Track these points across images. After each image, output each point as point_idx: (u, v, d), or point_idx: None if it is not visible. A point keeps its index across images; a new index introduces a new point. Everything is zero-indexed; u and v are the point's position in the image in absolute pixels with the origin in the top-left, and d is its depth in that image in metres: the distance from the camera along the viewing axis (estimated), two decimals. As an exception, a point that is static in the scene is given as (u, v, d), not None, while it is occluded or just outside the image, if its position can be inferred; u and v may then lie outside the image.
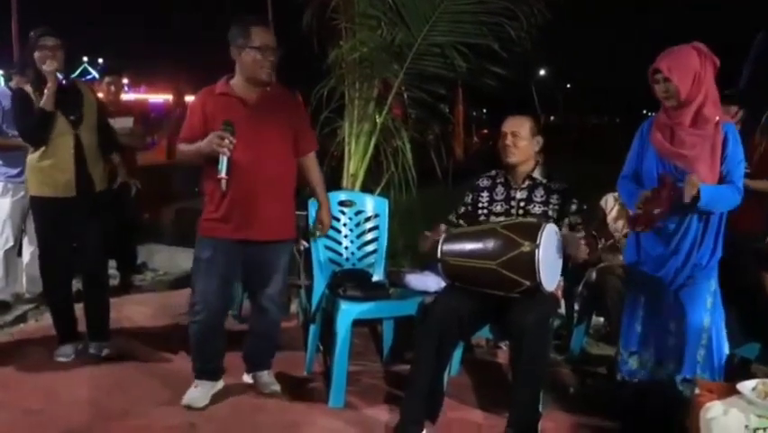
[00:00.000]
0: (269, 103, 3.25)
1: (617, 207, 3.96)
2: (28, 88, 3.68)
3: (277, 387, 3.44)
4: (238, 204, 3.20)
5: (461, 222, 3.41)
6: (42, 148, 3.65)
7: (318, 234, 3.59)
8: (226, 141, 3.03)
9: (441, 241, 3.10)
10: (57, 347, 3.88)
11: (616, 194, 4.00)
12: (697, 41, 2.94)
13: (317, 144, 3.55)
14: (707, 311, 2.97)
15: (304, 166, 3.43)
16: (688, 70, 2.88)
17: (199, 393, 3.31)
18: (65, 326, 3.91)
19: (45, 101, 3.54)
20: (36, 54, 3.59)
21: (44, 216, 3.79)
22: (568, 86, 34.40)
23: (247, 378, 3.53)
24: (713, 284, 3.00)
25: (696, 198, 2.78)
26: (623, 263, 3.77)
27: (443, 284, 3.64)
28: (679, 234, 2.97)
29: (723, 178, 2.90)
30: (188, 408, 3.26)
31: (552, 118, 28.88)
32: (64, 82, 3.65)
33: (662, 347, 3.04)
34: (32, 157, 3.71)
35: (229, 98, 3.21)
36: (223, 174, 3.05)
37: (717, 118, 2.92)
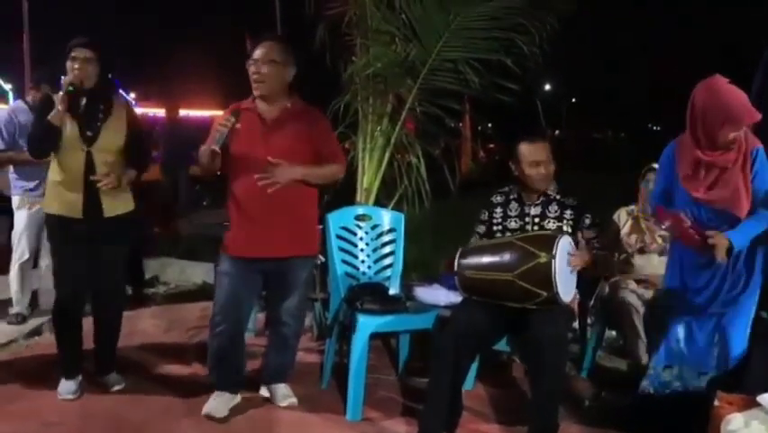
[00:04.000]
0: (288, 120, 3.28)
1: (629, 222, 3.98)
2: (57, 97, 3.45)
3: (294, 400, 3.46)
4: (253, 220, 3.24)
5: (483, 240, 3.43)
6: (55, 162, 3.52)
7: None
8: (225, 121, 3.12)
9: (458, 255, 3.13)
10: (60, 382, 3.58)
11: (628, 208, 4.03)
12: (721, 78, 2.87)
13: (343, 158, 3.52)
14: (749, 326, 2.95)
15: None
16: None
17: (219, 403, 3.33)
18: (69, 357, 3.62)
19: (52, 115, 3.36)
20: (67, 63, 3.43)
21: (54, 234, 3.60)
22: (573, 100, 34.47)
23: (264, 391, 3.54)
24: (756, 298, 2.97)
25: (728, 248, 2.77)
26: (638, 277, 3.81)
27: (452, 297, 3.67)
28: (713, 266, 2.92)
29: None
30: (209, 417, 3.28)
31: (556, 132, 28.96)
32: (65, 96, 3.34)
33: (704, 360, 2.99)
34: (50, 171, 3.57)
35: (251, 114, 3.27)
36: (216, 148, 3.12)
37: (745, 147, 2.87)
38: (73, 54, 3.42)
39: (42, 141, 3.46)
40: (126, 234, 3.65)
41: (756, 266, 2.95)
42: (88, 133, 3.45)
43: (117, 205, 3.55)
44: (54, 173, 3.51)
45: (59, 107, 3.35)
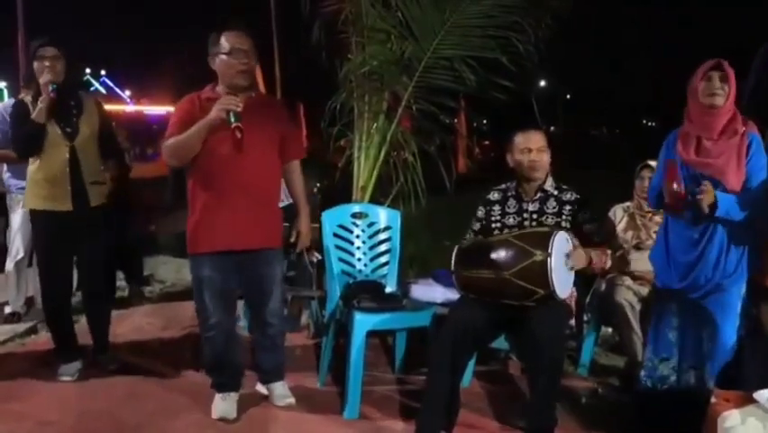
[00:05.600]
0: (252, 110, 3.20)
1: (625, 219, 3.99)
2: (27, 99, 3.62)
3: (292, 399, 3.44)
4: (218, 212, 3.16)
5: (479, 238, 3.43)
6: (37, 160, 3.59)
7: (297, 245, 3.46)
8: (233, 100, 3.07)
9: (454, 253, 3.13)
10: (59, 366, 3.78)
11: (624, 205, 4.03)
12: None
13: (304, 153, 3.53)
14: (737, 316, 2.95)
15: (286, 173, 3.39)
16: (732, 77, 2.92)
17: (227, 405, 3.31)
18: (64, 344, 3.81)
19: (36, 114, 3.48)
20: (35, 65, 3.51)
21: (42, 230, 3.72)
22: (568, 96, 34.53)
23: (261, 388, 3.53)
24: (743, 287, 2.97)
25: (713, 206, 2.79)
26: (634, 273, 3.81)
27: (448, 295, 3.65)
28: (704, 240, 2.95)
29: (743, 184, 2.89)
30: (222, 420, 3.27)
31: (552, 129, 29.02)
32: (52, 94, 3.48)
33: (697, 354, 3.00)
34: (30, 169, 3.66)
35: (214, 104, 3.15)
36: (237, 123, 3.06)
37: (744, 129, 2.92)
38: (40, 53, 3.51)
39: (30, 141, 3.57)
40: (109, 220, 3.84)
41: (744, 256, 2.96)
42: (68, 130, 3.60)
43: (101, 194, 3.76)
44: (37, 172, 3.62)
45: (42, 105, 3.46)
